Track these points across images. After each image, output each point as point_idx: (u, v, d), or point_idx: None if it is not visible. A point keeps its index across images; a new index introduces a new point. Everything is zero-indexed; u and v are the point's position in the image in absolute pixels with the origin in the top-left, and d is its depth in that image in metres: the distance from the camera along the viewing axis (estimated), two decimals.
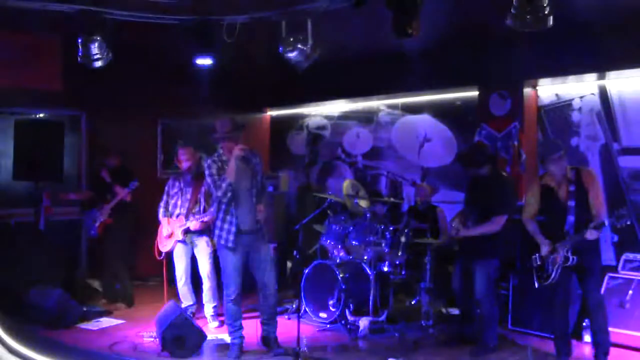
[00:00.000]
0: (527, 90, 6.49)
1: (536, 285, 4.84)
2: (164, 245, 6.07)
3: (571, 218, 4.66)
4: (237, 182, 4.96)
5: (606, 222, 4.52)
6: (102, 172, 6.78)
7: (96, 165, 7.09)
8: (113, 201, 6.59)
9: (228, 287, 5.06)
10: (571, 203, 4.67)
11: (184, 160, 6.05)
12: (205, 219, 5.83)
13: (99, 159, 7.07)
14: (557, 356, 4.89)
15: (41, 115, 7.46)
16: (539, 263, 4.81)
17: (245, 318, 5.26)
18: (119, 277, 6.81)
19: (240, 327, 5.15)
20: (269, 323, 5.23)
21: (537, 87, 6.56)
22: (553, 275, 4.67)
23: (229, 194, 4.93)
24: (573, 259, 4.60)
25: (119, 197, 6.58)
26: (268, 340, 5.22)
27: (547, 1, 3.89)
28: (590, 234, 4.51)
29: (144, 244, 6.78)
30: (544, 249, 4.75)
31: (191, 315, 5.87)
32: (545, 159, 4.82)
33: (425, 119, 7.63)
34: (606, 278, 5.48)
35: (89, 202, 7.00)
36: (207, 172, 5.03)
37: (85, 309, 6.27)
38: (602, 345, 4.69)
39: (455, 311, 5.90)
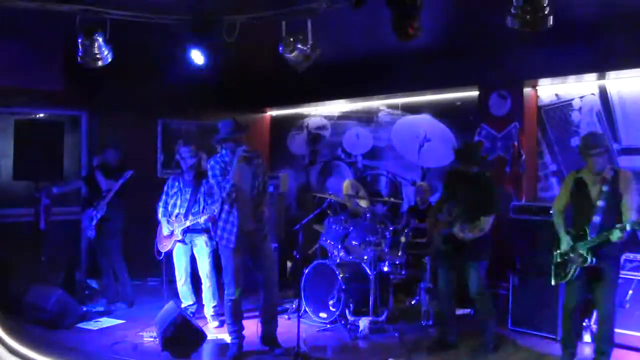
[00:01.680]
0: (527, 90, 6.49)
1: (552, 282, 4.73)
2: (163, 245, 6.07)
3: (597, 218, 4.47)
4: (240, 183, 4.97)
5: (628, 227, 4.29)
6: (93, 161, 6.82)
7: (90, 160, 7.10)
8: (108, 196, 6.59)
9: (229, 286, 5.06)
10: (602, 203, 4.47)
11: (188, 158, 6.05)
12: (202, 219, 5.83)
13: (97, 152, 7.08)
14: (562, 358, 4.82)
15: (41, 115, 7.46)
16: (559, 260, 4.67)
17: (245, 318, 5.25)
18: (118, 277, 6.80)
19: (241, 327, 5.15)
20: (269, 323, 5.23)
21: (537, 87, 6.56)
22: (571, 275, 4.54)
23: (232, 195, 4.94)
24: (592, 260, 4.45)
25: (113, 192, 6.58)
26: (268, 340, 5.22)
27: (547, 1, 3.88)
28: (615, 236, 4.29)
29: (143, 244, 6.78)
30: (563, 246, 4.63)
31: (191, 315, 5.87)
32: (585, 153, 4.58)
33: (425, 119, 7.63)
34: None
35: (86, 201, 7.00)
36: (210, 173, 5.05)
37: (85, 309, 6.27)
38: (605, 354, 4.58)
39: (458, 311, 5.84)
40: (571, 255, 4.56)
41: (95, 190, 6.76)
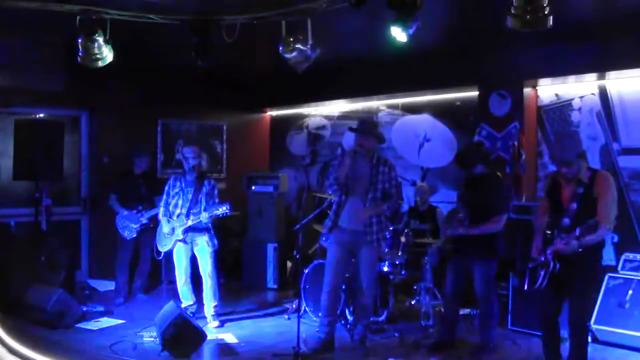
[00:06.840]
0: (527, 90, 6.49)
1: (525, 287, 4.46)
2: (163, 245, 6.06)
3: (566, 221, 4.17)
4: (351, 181, 5.16)
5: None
6: (141, 188, 6.95)
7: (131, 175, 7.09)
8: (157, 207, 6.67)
9: (325, 279, 5.22)
10: (574, 205, 4.16)
11: (191, 158, 6.04)
12: (204, 217, 5.82)
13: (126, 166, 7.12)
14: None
15: (41, 115, 7.46)
16: (531, 265, 4.43)
17: (246, 318, 5.24)
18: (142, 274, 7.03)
19: (333, 320, 5.30)
20: (358, 326, 5.38)
21: (537, 87, 6.56)
22: (539, 281, 4.27)
23: (332, 187, 5.19)
24: (555, 265, 4.16)
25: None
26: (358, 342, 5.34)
27: (547, 1, 3.89)
28: (565, 244, 4.04)
29: None
30: (534, 250, 4.43)
31: (191, 315, 5.87)
32: (557, 163, 4.38)
33: (425, 119, 7.63)
34: (606, 278, 5.48)
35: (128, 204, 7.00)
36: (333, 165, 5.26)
37: (85, 309, 6.27)
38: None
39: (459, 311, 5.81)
40: (539, 258, 4.31)
41: (136, 196, 6.89)
